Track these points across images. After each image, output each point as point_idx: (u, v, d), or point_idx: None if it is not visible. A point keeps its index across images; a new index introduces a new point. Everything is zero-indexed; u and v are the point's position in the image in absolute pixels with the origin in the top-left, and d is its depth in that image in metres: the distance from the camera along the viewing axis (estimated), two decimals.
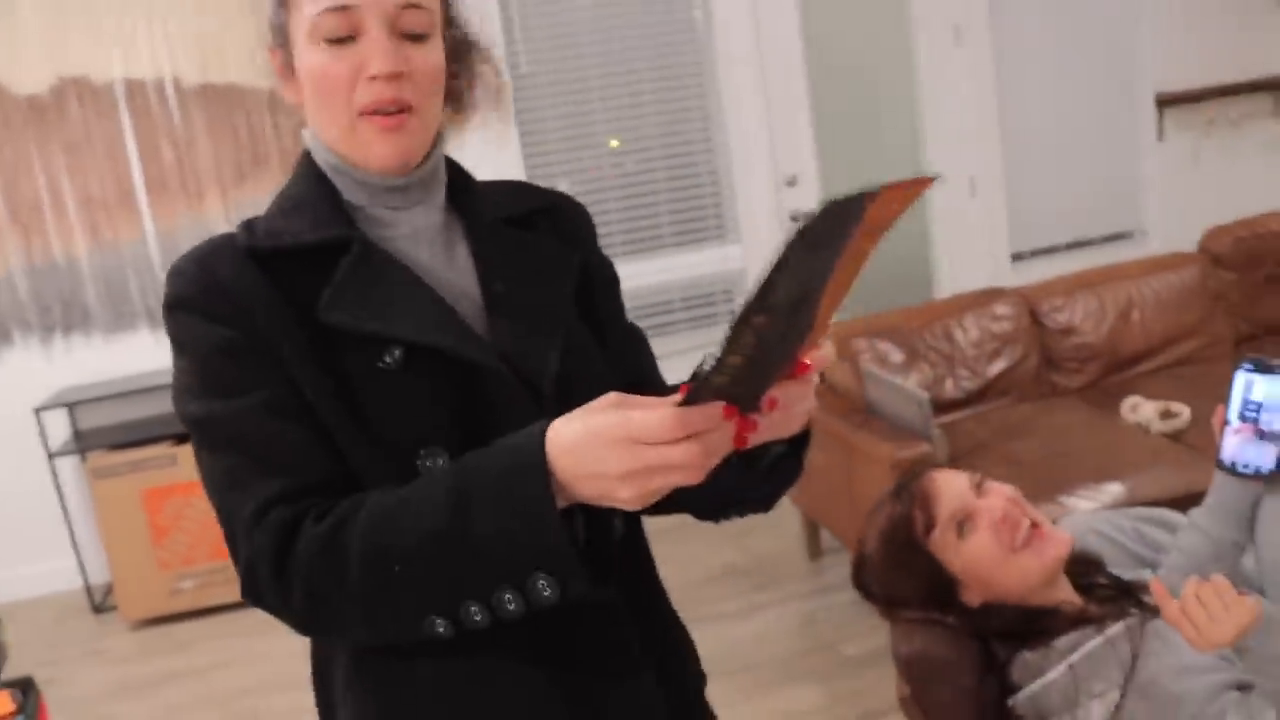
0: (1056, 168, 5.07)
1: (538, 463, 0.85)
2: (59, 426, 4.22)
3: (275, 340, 0.98)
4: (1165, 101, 5.12)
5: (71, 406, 4.20)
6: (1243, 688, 1.41)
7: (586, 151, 4.57)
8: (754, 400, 0.83)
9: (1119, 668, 1.41)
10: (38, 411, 3.98)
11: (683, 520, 1.14)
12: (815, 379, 0.87)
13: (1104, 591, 1.60)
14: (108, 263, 4.22)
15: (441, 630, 0.91)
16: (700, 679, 1.20)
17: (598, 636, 1.05)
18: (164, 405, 4.22)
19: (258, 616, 4.06)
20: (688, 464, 0.79)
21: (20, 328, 4.20)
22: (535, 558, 0.86)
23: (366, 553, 0.90)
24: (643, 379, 1.16)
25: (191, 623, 3.97)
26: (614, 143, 4.56)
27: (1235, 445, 1.57)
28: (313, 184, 1.06)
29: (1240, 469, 1.57)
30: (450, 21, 1.09)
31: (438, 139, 1.08)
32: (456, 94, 1.11)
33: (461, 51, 1.11)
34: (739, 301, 0.74)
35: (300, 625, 0.97)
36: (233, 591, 3.97)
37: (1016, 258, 5.06)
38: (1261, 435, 1.55)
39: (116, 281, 4.23)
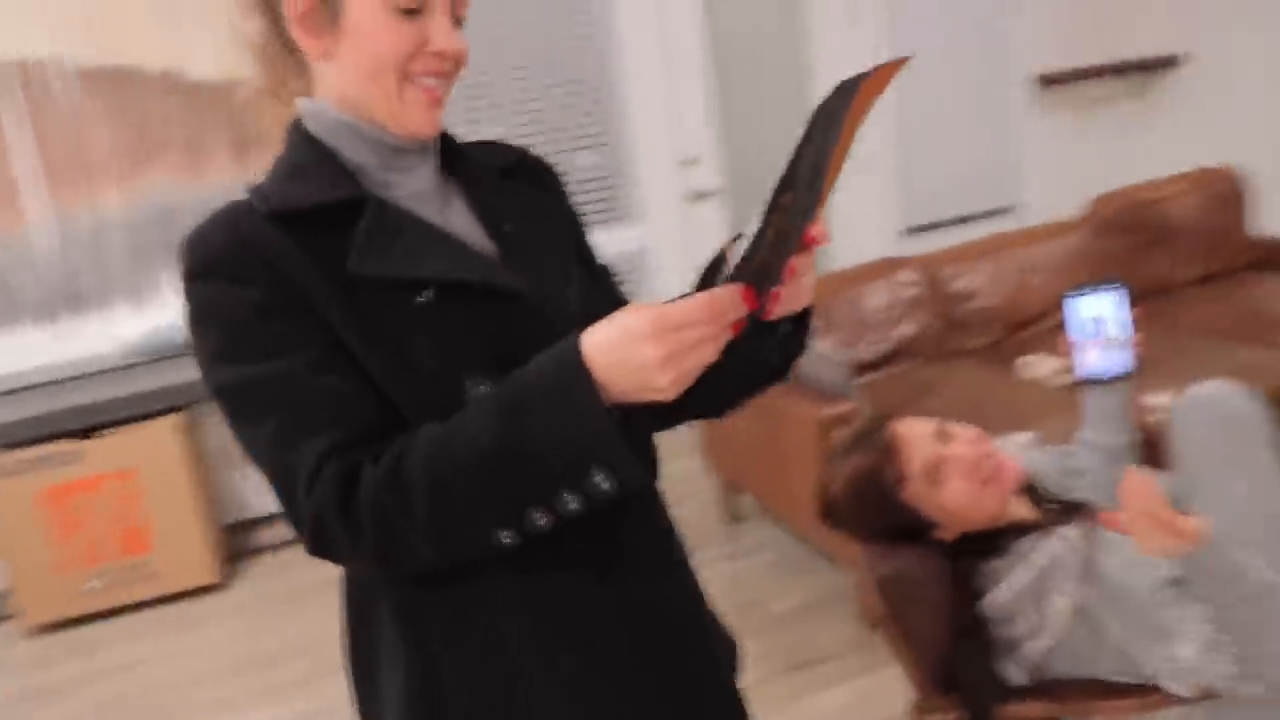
0: (944, 146, 5.27)
1: (580, 366, 0.89)
2: None
3: (310, 298, 0.99)
4: (1041, 81, 5.38)
5: None
6: (1179, 583, 1.52)
7: (484, 131, 4.55)
8: (780, 271, 0.91)
9: (1077, 565, 1.52)
10: None
11: None
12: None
13: (1051, 506, 1.72)
14: None
15: (507, 541, 0.94)
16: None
17: (639, 533, 1.11)
18: (59, 401, 4.06)
19: (176, 612, 3.95)
20: (716, 338, 0.87)
21: None
22: (591, 454, 0.90)
23: (430, 481, 0.92)
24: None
25: (103, 624, 3.84)
26: None
27: (1091, 359, 1.72)
28: (311, 150, 1.07)
29: (1100, 376, 1.71)
30: None
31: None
32: None
33: None
34: (770, 183, 0.83)
35: (374, 564, 0.98)
36: (147, 588, 3.86)
37: (909, 231, 5.25)
38: (1109, 343, 1.70)
39: (0, 272, 4.06)
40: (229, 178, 4.19)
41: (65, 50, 3.97)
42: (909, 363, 3.62)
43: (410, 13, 1.02)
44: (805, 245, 0.93)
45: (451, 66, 1.07)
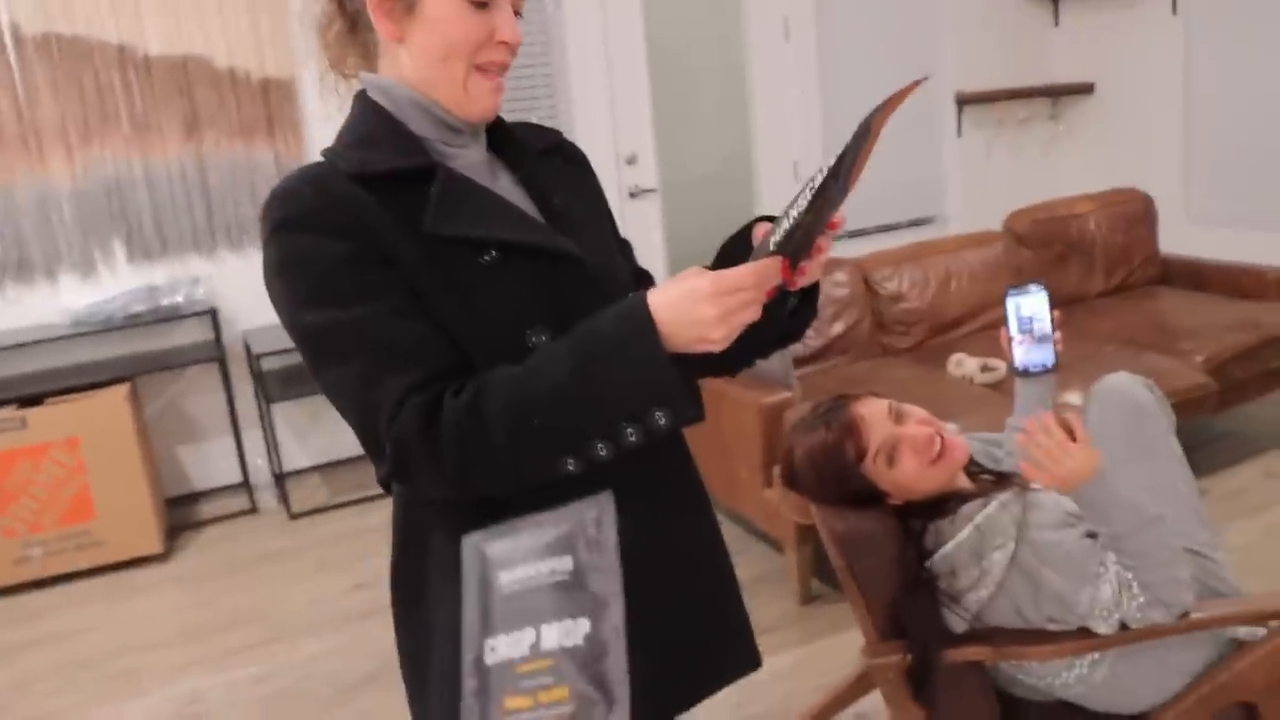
0: (872, 157, 5.50)
1: (648, 318, 1.04)
2: None
3: (391, 251, 1.12)
4: (964, 101, 5.68)
5: None
6: (1091, 535, 1.75)
7: None
8: (809, 249, 1.10)
9: (1012, 524, 1.73)
10: None
11: None
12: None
13: (988, 477, 1.93)
14: None
15: (571, 468, 1.07)
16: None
17: (680, 469, 1.28)
18: (4, 368, 4.06)
19: (119, 580, 4.00)
20: (759, 300, 1.05)
21: None
22: (655, 395, 1.05)
23: (507, 413, 1.05)
24: (638, 280, 1.41)
25: (43, 591, 3.85)
26: None
27: (1022, 353, 1.93)
28: (380, 121, 1.20)
29: (1032, 369, 1.93)
30: None
31: None
32: None
33: None
34: (817, 172, 1.02)
35: (449, 487, 1.09)
36: (88, 557, 3.88)
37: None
38: (1038, 340, 1.91)
39: None
40: (178, 154, 4.23)
41: (18, 17, 3.97)
42: (839, 359, 3.84)
43: (481, 6, 1.16)
44: (830, 227, 1.11)
45: (512, 56, 1.21)
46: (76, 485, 3.86)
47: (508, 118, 1.34)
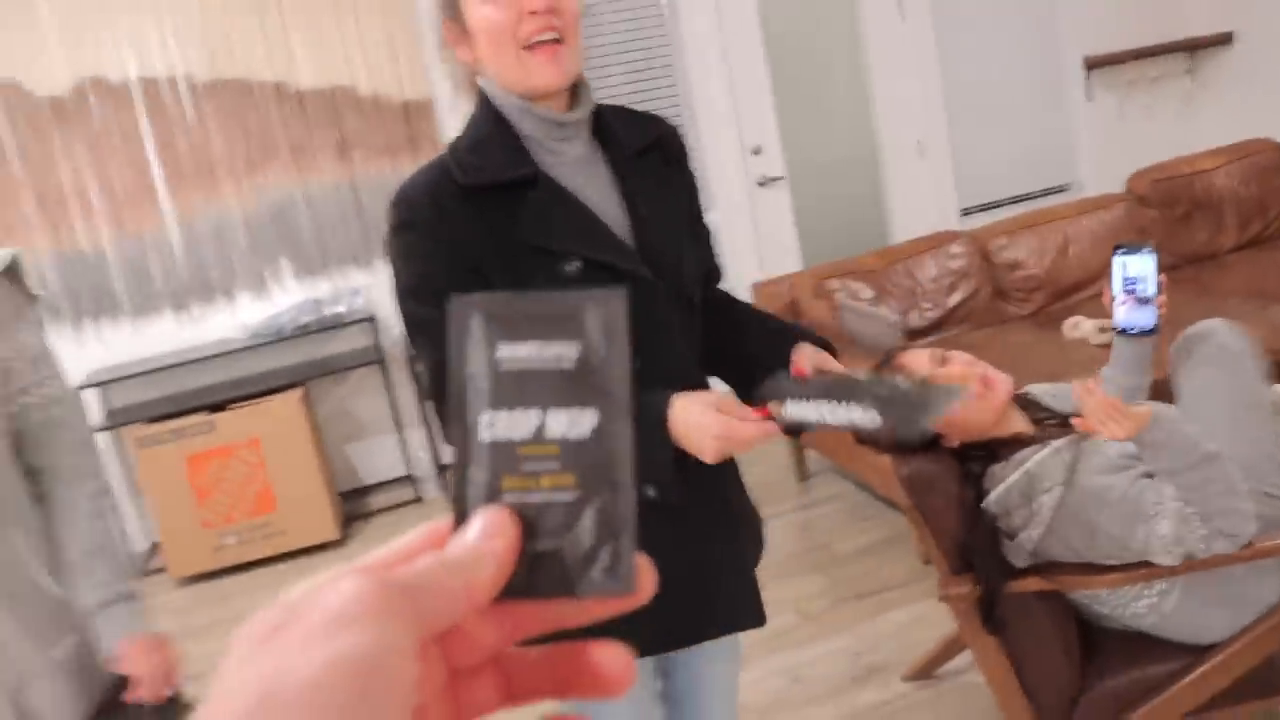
0: (997, 129, 5.53)
1: (663, 421, 1.26)
2: (92, 406, 4.52)
3: (480, 258, 1.34)
4: (1092, 64, 5.61)
5: (103, 386, 4.50)
6: (1148, 475, 1.84)
7: None
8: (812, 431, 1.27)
9: (1062, 469, 1.84)
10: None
11: None
12: None
13: (1050, 423, 2.04)
14: (131, 251, 4.52)
15: None
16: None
17: (708, 499, 1.48)
18: (189, 381, 4.54)
19: (301, 565, 4.41)
20: (751, 448, 1.23)
21: (52, 315, 4.50)
22: (649, 477, 1.25)
23: None
24: (711, 267, 1.60)
25: (235, 577, 4.31)
26: None
27: (1124, 313, 1.98)
28: (493, 124, 1.40)
29: (1130, 330, 1.99)
30: None
31: (585, 87, 1.44)
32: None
33: None
34: (864, 402, 1.15)
35: None
36: (272, 545, 4.32)
37: (964, 213, 5.52)
38: (1141, 302, 1.97)
39: (140, 268, 4.54)
40: (333, 177, 4.63)
41: (188, 67, 4.44)
42: (958, 328, 3.93)
43: None
44: None
45: (556, 20, 1.32)
46: (259, 481, 4.29)
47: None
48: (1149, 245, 1.98)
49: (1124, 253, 1.97)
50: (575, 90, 1.44)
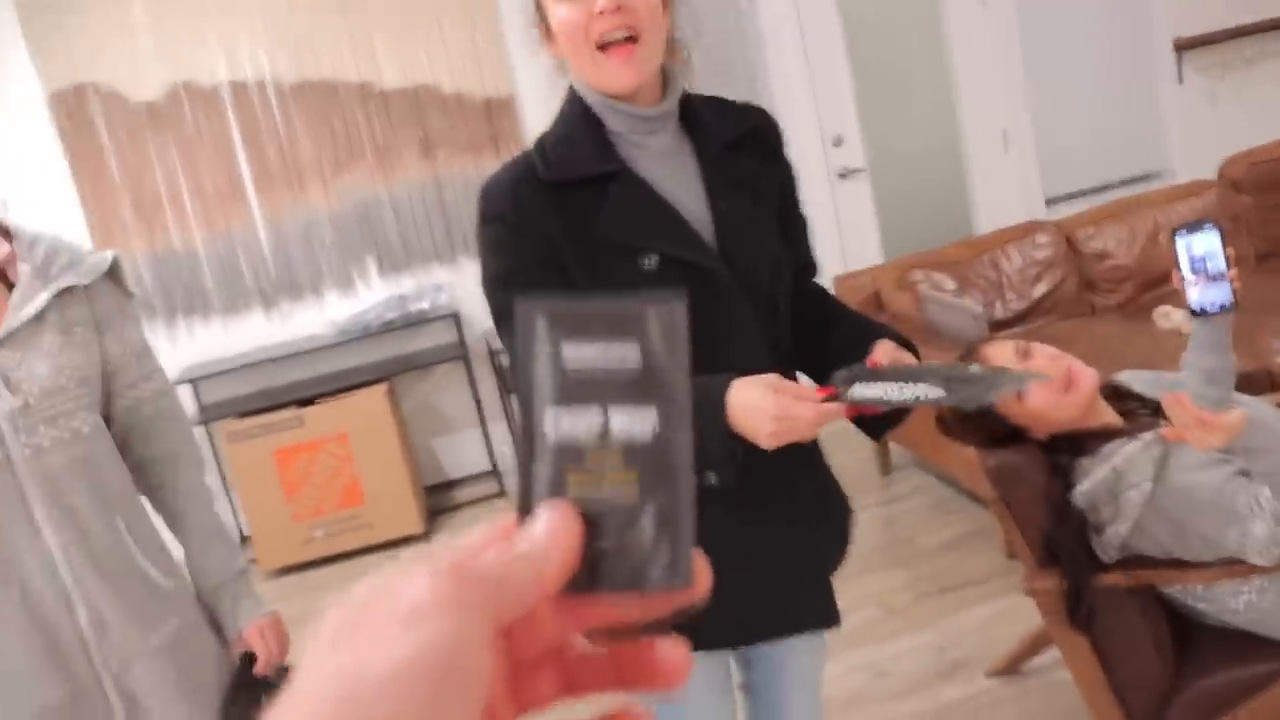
0: (1083, 115, 5.41)
1: (721, 402, 1.26)
2: (185, 401, 4.66)
3: (561, 252, 1.36)
4: (1182, 45, 5.46)
5: (195, 382, 4.64)
6: (1244, 473, 1.79)
7: None
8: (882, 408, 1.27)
9: (1151, 464, 1.80)
10: None
11: None
12: None
13: (1141, 413, 1.99)
14: (222, 250, 4.65)
15: None
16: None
17: (784, 487, 1.47)
18: (278, 377, 4.66)
19: (387, 558, 4.48)
20: (812, 434, 1.25)
21: (146, 312, 4.64)
22: (707, 464, 1.26)
23: None
24: (804, 262, 1.60)
25: (323, 569, 4.41)
26: None
27: (1197, 294, 1.89)
28: (580, 120, 1.42)
29: (1209, 309, 1.93)
30: None
31: (674, 78, 1.45)
32: (669, 36, 1.47)
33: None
34: (937, 383, 1.17)
35: None
36: (360, 538, 4.41)
37: (1050, 202, 5.41)
38: (1212, 279, 1.89)
39: (231, 267, 4.67)
40: (417, 176, 4.70)
41: (275, 70, 4.54)
42: (1044, 320, 3.86)
43: None
44: None
45: (627, 18, 1.32)
46: (347, 475, 4.38)
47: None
48: (1209, 221, 1.92)
49: (1185, 233, 1.89)
50: (664, 78, 1.45)
